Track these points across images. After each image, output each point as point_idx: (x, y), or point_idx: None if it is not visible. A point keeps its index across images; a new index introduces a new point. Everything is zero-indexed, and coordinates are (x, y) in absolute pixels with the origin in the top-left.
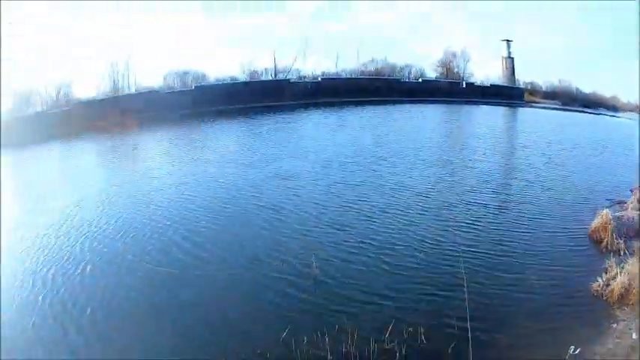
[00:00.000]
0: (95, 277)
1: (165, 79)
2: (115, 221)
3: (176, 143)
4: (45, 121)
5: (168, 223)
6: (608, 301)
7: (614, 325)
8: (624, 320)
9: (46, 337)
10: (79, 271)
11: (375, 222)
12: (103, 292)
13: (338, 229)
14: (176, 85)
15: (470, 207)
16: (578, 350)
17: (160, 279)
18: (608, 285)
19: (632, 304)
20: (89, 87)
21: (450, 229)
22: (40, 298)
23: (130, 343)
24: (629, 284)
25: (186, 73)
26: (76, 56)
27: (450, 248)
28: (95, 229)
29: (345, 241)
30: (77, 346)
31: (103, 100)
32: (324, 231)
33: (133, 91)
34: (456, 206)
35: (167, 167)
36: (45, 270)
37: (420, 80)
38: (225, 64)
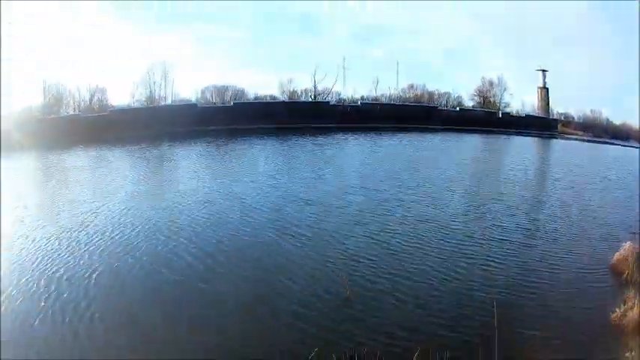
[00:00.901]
0: (99, 285)
1: (203, 92)
2: (131, 232)
3: (208, 159)
4: (78, 125)
5: (187, 242)
6: (625, 330)
7: (628, 354)
8: (637, 349)
9: (45, 338)
10: (85, 277)
11: (398, 254)
12: (106, 300)
13: (359, 260)
14: (214, 100)
15: (496, 237)
16: None
17: (182, 293)
18: (625, 315)
19: None
20: (124, 94)
21: (481, 257)
22: (43, 300)
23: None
24: None
25: (225, 88)
26: (114, 60)
27: (480, 276)
28: (108, 239)
29: (367, 272)
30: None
31: (138, 109)
32: (344, 262)
33: (169, 102)
34: (481, 238)
35: (194, 182)
36: (51, 273)
37: (458, 109)
38: (264, 83)
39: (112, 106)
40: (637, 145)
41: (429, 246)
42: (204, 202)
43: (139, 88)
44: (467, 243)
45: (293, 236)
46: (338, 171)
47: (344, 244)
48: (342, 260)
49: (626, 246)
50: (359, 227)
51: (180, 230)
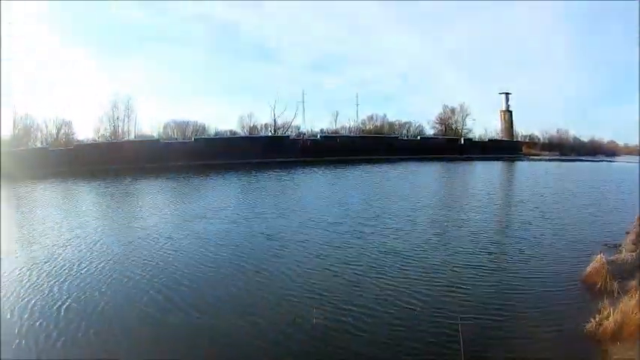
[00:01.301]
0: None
1: (164, 127)
2: (88, 268)
3: (169, 195)
4: (46, 159)
5: (146, 277)
6: (601, 339)
7: None
8: (617, 355)
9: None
10: (54, 309)
11: (358, 284)
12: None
13: (319, 293)
14: (175, 136)
15: (460, 263)
16: None
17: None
18: (600, 325)
19: (625, 339)
20: (88, 128)
21: (447, 277)
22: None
23: None
24: (622, 321)
25: (185, 124)
26: (79, 95)
27: (446, 297)
28: (74, 272)
29: (328, 305)
30: None
31: (103, 144)
32: (304, 295)
33: (132, 137)
34: (443, 265)
35: (154, 219)
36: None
37: (419, 138)
38: (224, 116)
39: (78, 141)
40: (606, 159)
41: (390, 276)
42: (166, 238)
43: (103, 122)
44: (429, 271)
45: (255, 272)
46: (297, 205)
47: (304, 278)
48: (301, 294)
49: (598, 258)
50: (318, 260)
51: (142, 265)
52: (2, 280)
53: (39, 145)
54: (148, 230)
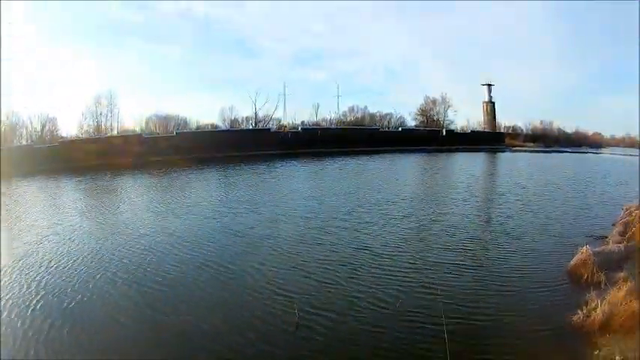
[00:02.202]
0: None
1: (147, 122)
2: (59, 266)
3: (146, 190)
4: (31, 156)
5: (113, 274)
6: (589, 331)
7: (597, 352)
8: (607, 346)
9: None
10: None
11: (330, 285)
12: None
13: (288, 295)
14: (158, 130)
15: (441, 261)
16: None
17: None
18: (588, 316)
19: (615, 330)
20: (72, 124)
21: (427, 273)
22: None
23: None
24: (611, 312)
25: (168, 118)
26: (62, 91)
27: (430, 291)
28: (45, 270)
29: (302, 306)
30: None
31: (86, 140)
32: (275, 294)
33: (115, 132)
34: (422, 262)
35: (127, 215)
36: None
37: (400, 129)
38: (206, 110)
39: (62, 137)
40: (591, 150)
41: (364, 275)
42: (138, 235)
43: (86, 118)
44: (408, 267)
45: (224, 270)
46: (271, 199)
47: (272, 277)
48: (271, 294)
49: (583, 250)
50: (290, 257)
51: (111, 263)
52: None
53: (24, 142)
54: (120, 227)
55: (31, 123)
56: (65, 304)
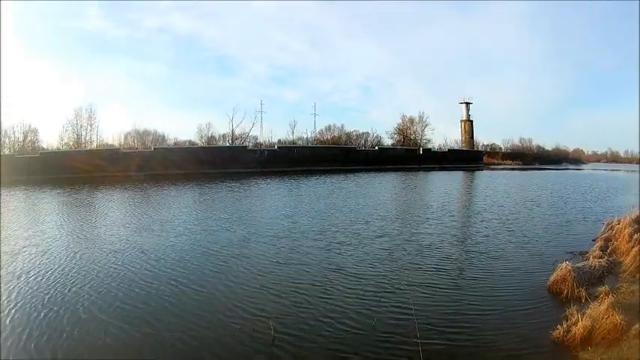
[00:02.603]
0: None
1: (126, 137)
2: (29, 281)
3: (120, 205)
4: (12, 166)
5: (81, 291)
6: (570, 345)
7: None
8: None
9: None
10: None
11: (302, 305)
12: None
13: (260, 315)
14: (136, 145)
15: (415, 282)
16: None
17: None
18: (569, 331)
19: (597, 344)
20: (53, 135)
21: (402, 293)
22: None
23: None
24: (592, 326)
25: (146, 133)
26: (44, 102)
27: (408, 309)
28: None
29: (276, 326)
30: None
31: (66, 152)
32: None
33: (94, 146)
34: (395, 284)
35: (100, 230)
36: None
37: (377, 148)
38: (183, 126)
39: (43, 149)
40: (571, 167)
41: (338, 295)
42: (108, 252)
43: (67, 130)
44: (381, 289)
45: (194, 289)
46: (244, 218)
47: (244, 296)
48: (241, 313)
49: (563, 265)
50: (261, 277)
51: (79, 279)
52: None
53: (7, 152)
54: (91, 243)
55: (14, 133)
56: (34, 316)
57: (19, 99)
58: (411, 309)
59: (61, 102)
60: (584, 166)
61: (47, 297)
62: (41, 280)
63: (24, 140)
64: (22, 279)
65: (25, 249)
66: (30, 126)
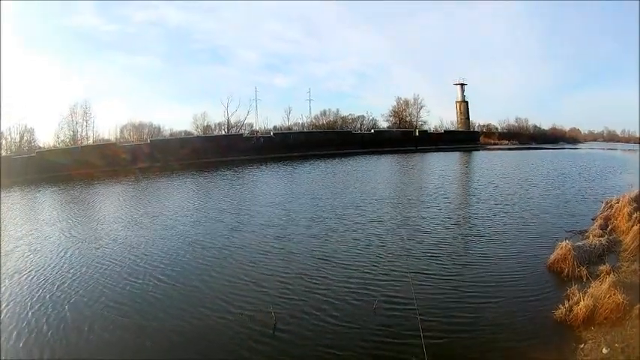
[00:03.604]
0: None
1: (122, 131)
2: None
3: (112, 200)
4: (10, 167)
5: (69, 286)
6: (572, 325)
7: (582, 345)
8: (592, 339)
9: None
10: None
11: (299, 292)
12: None
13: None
14: (132, 138)
15: (413, 265)
16: None
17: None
18: (571, 310)
19: (600, 323)
20: (49, 134)
21: (408, 273)
22: None
23: None
24: (594, 305)
25: (142, 126)
26: (38, 101)
27: (408, 292)
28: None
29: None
30: None
31: (63, 150)
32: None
33: (90, 142)
34: (411, 253)
35: (92, 225)
36: None
37: (373, 131)
38: (179, 117)
39: (40, 147)
40: (568, 146)
41: (336, 280)
42: (96, 247)
43: (63, 128)
44: (381, 272)
45: (183, 283)
46: (236, 207)
47: (244, 283)
48: (243, 301)
49: (563, 244)
50: (259, 264)
51: (68, 275)
52: None
53: (3, 153)
54: (82, 237)
55: (10, 134)
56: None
57: (18, 99)
58: (411, 292)
59: (59, 100)
60: (580, 145)
61: (30, 297)
62: (35, 277)
63: (20, 141)
64: (14, 278)
65: (17, 248)
66: (26, 126)
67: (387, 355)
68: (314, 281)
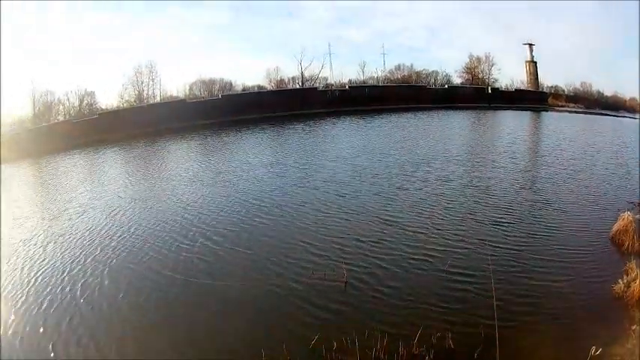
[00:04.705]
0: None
1: (191, 88)
2: (101, 230)
3: (176, 157)
4: (70, 131)
5: (172, 234)
6: (629, 303)
7: (635, 327)
8: None
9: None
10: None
11: (383, 243)
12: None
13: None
14: (203, 95)
15: (487, 220)
16: (599, 351)
17: (173, 288)
18: (629, 287)
19: None
20: (113, 96)
21: (476, 236)
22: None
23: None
24: None
25: (212, 82)
26: (100, 63)
27: (477, 255)
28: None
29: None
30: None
31: (127, 109)
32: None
33: (158, 100)
34: (479, 216)
35: (150, 182)
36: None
37: (447, 87)
38: (251, 73)
39: (102, 109)
40: (628, 115)
41: (410, 237)
42: (175, 200)
43: (127, 89)
44: (453, 232)
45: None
46: (323, 156)
47: (316, 237)
48: (315, 255)
49: (625, 216)
50: (334, 219)
51: (152, 231)
52: None
53: (61, 118)
54: (139, 197)
55: (68, 99)
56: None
57: (73, 61)
58: (484, 252)
59: (119, 61)
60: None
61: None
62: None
63: (80, 104)
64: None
65: (64, 212)
66: (86, 89)
67: (457, 315)
68: (381, 241)
